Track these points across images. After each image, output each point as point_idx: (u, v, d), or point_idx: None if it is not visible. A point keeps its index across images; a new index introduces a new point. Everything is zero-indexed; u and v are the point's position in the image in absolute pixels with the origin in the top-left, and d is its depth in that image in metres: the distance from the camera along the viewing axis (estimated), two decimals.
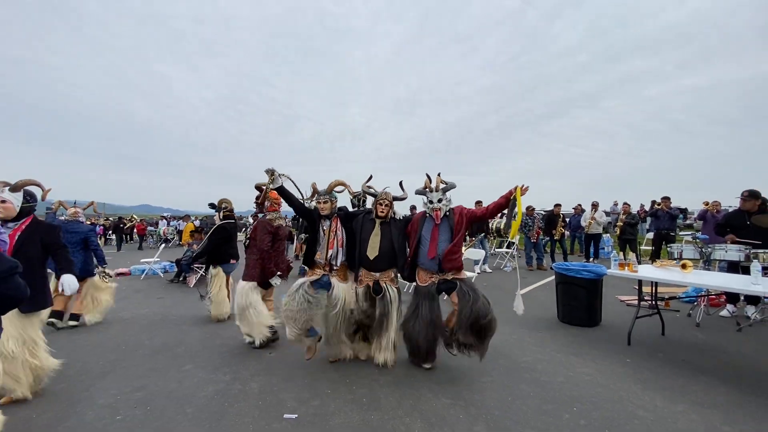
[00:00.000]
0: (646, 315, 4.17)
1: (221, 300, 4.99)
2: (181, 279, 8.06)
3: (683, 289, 5.71)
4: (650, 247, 9.54)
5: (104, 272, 5.01)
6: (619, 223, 9.44)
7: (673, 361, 3.52)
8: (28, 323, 2.85)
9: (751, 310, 4.76)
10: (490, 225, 9.16)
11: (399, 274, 3.52)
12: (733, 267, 4.74)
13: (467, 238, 8.64)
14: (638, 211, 12.72)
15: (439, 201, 3.32)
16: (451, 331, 3.26)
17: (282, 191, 3.44)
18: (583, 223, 10.28)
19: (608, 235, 12.27)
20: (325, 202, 3.43)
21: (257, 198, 4.09)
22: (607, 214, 12.90)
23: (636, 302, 4.21)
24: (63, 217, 5.74)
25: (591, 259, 10.10)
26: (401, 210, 3.68)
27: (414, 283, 3.49)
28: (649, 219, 10.85)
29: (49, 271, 3.67)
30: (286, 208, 3.98)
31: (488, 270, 9.02)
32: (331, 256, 3.39)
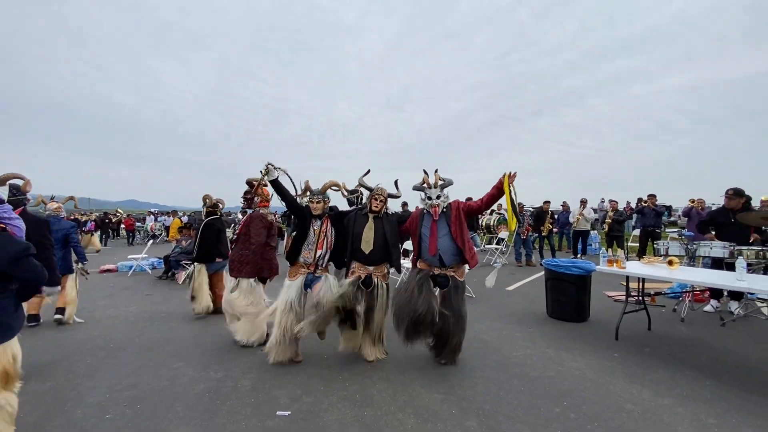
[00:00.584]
0: (633, 311, 4.25)
1: (203, 296, 4.95)
2: (169, 275, 7.95)
3: (669, 284, 5.83)
4: (636, 244, 9.72)
5: (83, 270, 4.91)
6: (608, 220, 9.59)
7: (660, 355, 3.60)
8: None
9: (734, 306, 4.89)
10: (480, 221, 9.21)
11: (395, 269, 3.54)
12: (717, 263, 4.86)
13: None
14: (624, 209, 12.94)
15: (438, 197, 3.34)
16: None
17: (276, 185, 3.42)
18: (571, 220, 10.42)
19: (595, 231, 12.46)
20: (318, 202, 3.42)
21: (246, 193, 4.05)
22: (595, 211, 13.09)
23: (622, 298, 4.29)
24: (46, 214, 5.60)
25: (579, 256, 10.25)
26: (392, 206, 3.69)
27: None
28: (635, 216, 11.05)
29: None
30: (274, 203, 3.96)
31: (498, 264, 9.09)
32: (319, 256, 3.40)
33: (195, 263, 5.06)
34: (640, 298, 4.34)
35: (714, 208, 7.13)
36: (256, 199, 4.00)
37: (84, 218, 15.22)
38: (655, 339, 4.05)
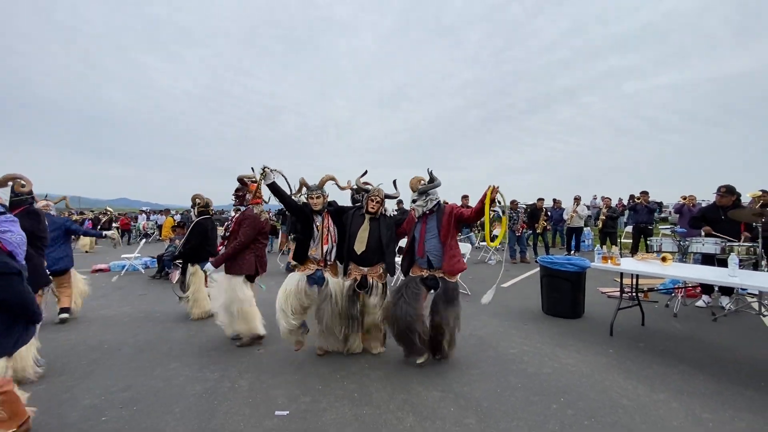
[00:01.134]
0: (627, 306, 4.30)
1: (201, 298, 4.88)
2: (162, 275, 7.88)
3: (661, 280, 5.90)
4: (629, 240, 9.82)
5: (112, 238, 5.08)
6: (602, 217, 9.68)
7: (654, 350, 3.64)
8: None
9: (725, 301, 4.97)
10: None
11: (389, 270, 3.52)
12: (708, 259, 4.93)
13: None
14: (617, 205, 13.06)
15: (413, 201, 3.36)
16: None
17: (274, 188, 3.41)
18: (565, 217, 10.51)
19: (588, 228, 12.57)
20: (318, 197, 3.43)
21: (237, 190, 4.02)
22: (588, 208, 13.21)
23: (616, 294, 4.33)
24: None
25: (572, 252, 10.34)
26: (388, 206, 3.69)
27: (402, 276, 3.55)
28: (627, 212, 11.16)
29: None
30: (271, 202, 3.95)
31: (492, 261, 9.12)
32: (326, 251, 3.42)
33: (188, 265, 5.00)
34: (634, 294, 4.38)
35: (704, 204, 7.22)
36: (248, 196, 3.97)
37: (80, 218, 14.97)
38: (649, 334, 4.10)
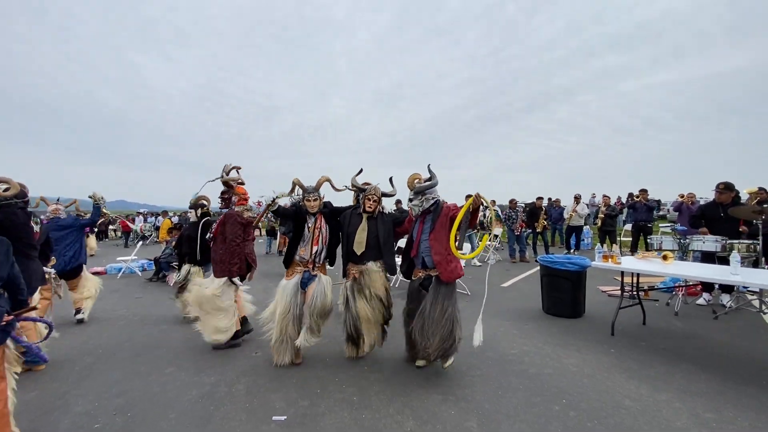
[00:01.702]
0: (628, 305, 4.26)
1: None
2: (159, 277, 7.82)
3: (661, 279, 5.87)
4: (628, 239, 9.80)
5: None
6: (601, 215, 9.65)
7: (656, 349, 3.61)
8: None
9: (726, 299, 4.94)
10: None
11: (388, 270, 3.47)
12: (708, 257, 4.90)
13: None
14: (615, 203, 13.05)
15: (410, 200, 3.27)
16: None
17: (278, 212, 3.47)
18: (565, 216, 10.48)
19: (588, 227, 12.54)
20: (314, 200, 3.40)
21: (223, 193, 4.01)
22: (587, 206, 13.19)
23: (616, 293, 4.29)
24: (43, 217, 5.54)
25: (572, 251, 10.31)
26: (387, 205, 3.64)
27: (408, 280, 3.49)
28: (625, 211, 11.14)
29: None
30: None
31: (477, 263, 9.07)
32: (315, 252, 3.37)
33: (190, 266, 4.94)
34: (635, 292, 4.35)
35: (702, 202, 7.20)
36: (233, 198, 3.95)
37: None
38: (650, 333, 4.07)
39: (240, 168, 3.98)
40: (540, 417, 2.53)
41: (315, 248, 3.37)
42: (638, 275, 4.28)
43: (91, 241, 14.07)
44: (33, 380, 3.14)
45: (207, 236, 4.02)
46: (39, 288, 3.34)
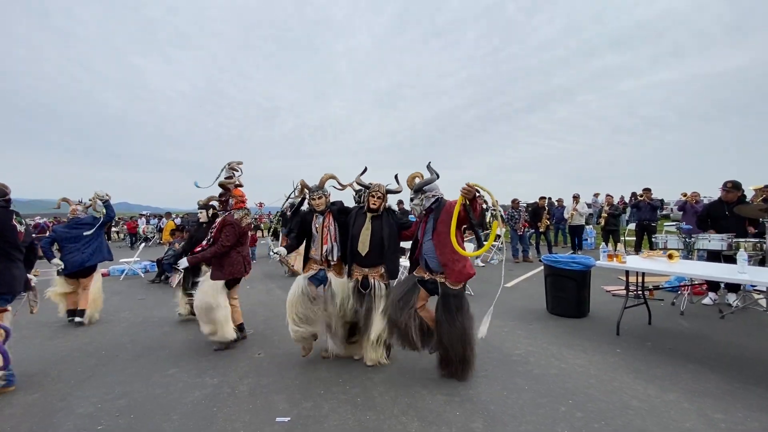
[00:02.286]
0: (633, 305, 4.22)
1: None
2: (162, 279, 7.82)
3: (666, 278, 5.83)
4: (632, 238, 9.74)
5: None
6: (604, 215, 9.60)
7: (662, 349, 3.57)
8: None
9: (732, 298, 4.89)
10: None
11: (389, 273, 3.42)
12: (713, 256, 4.85)
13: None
14: (618, 203, 12.97)
15: (411, 201, 3.21)
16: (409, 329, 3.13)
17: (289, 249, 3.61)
18: (565, 215, 10.44)
19: (590, 226, 12.48)
20: (319, 198, 3.39)
21: (220, 195, 4.01)
22: (588, 206, 13.13)
23: (621, 292, 4.25)
24: (64, 219, 5.60)
25: (576, 251, 10.26)
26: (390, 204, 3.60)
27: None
28: (629, 210, 11.08)
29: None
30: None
31: (481, 264, 9.03)
32: (326, 251, 3.35)
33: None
34: (640, 292, 4.31)
35: (706, 201, 7.16)
36: (231, 200, 3.94)
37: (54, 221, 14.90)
38: (656, 333, 4.03)
39: (241, 163, 4.00)
40: (546, 418, 2.49)
41: (325, 247, 3.35)
42: (643, 274, 4.24)
43: None
44: (35, 382, 3.13)
45: (206, 239, 3.99)
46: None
